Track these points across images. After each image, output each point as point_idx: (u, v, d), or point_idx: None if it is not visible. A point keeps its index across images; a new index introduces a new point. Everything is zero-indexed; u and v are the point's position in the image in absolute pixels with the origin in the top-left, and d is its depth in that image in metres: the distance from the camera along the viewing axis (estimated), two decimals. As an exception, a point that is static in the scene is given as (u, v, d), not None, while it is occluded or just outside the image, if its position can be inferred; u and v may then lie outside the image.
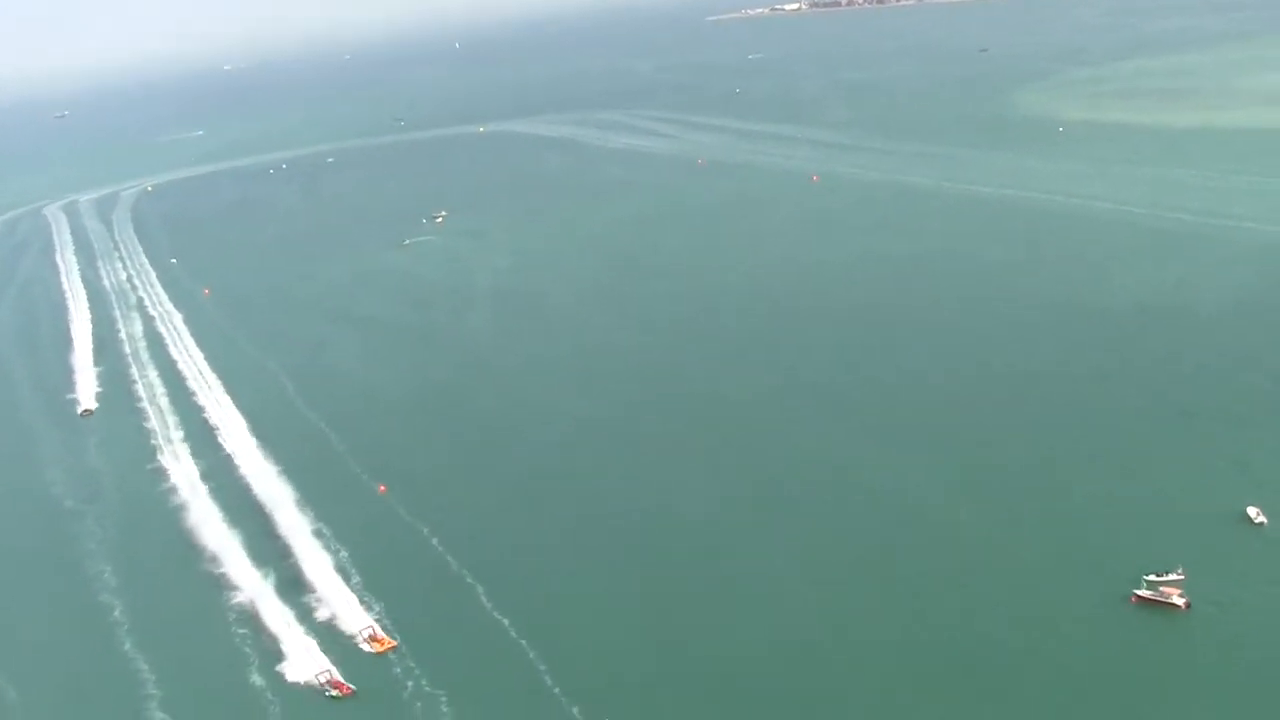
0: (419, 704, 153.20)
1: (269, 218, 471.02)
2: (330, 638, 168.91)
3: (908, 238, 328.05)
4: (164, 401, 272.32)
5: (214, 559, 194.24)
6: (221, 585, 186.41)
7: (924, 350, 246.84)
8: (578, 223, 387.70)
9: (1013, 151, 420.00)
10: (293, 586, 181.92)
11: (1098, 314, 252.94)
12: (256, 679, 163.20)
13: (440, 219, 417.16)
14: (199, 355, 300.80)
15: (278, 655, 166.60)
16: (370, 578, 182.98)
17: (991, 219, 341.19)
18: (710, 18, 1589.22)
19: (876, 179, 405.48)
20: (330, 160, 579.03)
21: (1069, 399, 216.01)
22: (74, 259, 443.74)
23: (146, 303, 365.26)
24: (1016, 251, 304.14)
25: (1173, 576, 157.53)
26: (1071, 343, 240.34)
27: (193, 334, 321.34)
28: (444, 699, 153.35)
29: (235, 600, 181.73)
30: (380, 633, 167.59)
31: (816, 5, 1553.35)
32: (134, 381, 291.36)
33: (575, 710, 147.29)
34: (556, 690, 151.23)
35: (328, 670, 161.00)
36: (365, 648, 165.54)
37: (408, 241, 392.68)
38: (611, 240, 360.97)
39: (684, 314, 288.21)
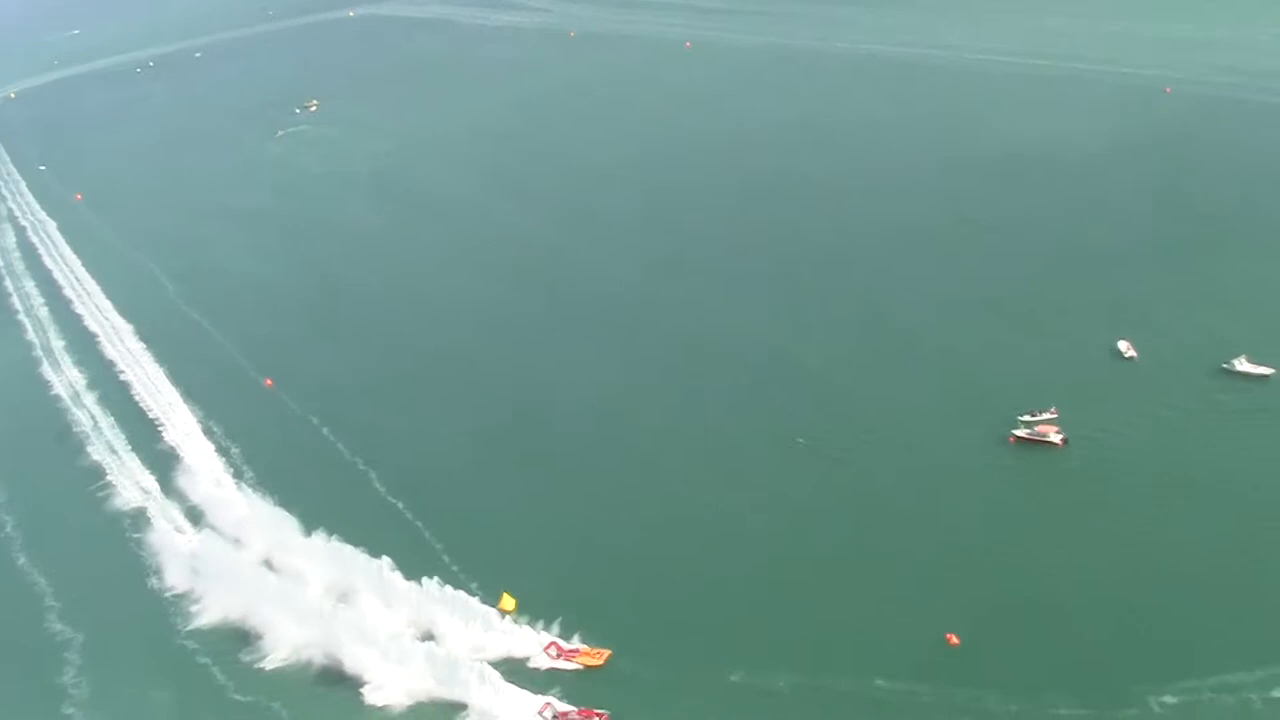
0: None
1: (138, 118, 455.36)
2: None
3: (784, 100, 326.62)
4: (43, 312, 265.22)
5: (101, 467, 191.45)
6: (110, 493, 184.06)
7: (804, 212, 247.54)
8: (453, 104, 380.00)
9: (887, 8, 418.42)
10: (185, 488, 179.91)
11: (972, 165, 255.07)
12: (152, 583, 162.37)
13: (314, 107, 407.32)
14: (75, 262, 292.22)
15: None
16: (263, 472, 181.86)
17: (867, 76, 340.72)
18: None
19: (749, 42, 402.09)
20: (198, 55, 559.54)
21: (945, 250, 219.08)
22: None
23: (16, 213, 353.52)
24: (893, 108, 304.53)
25: (1046, 415, 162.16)
26: (947, 195, 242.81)
27: (68, 241, 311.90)
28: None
29: (126, 507, 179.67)
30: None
31: None
32: (9, 294, 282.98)
33: (474, 585, 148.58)
34: (455, 569, 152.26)
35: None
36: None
37: (281, 133, 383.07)
38: (489, 121, 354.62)
39: (565, 194, 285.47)
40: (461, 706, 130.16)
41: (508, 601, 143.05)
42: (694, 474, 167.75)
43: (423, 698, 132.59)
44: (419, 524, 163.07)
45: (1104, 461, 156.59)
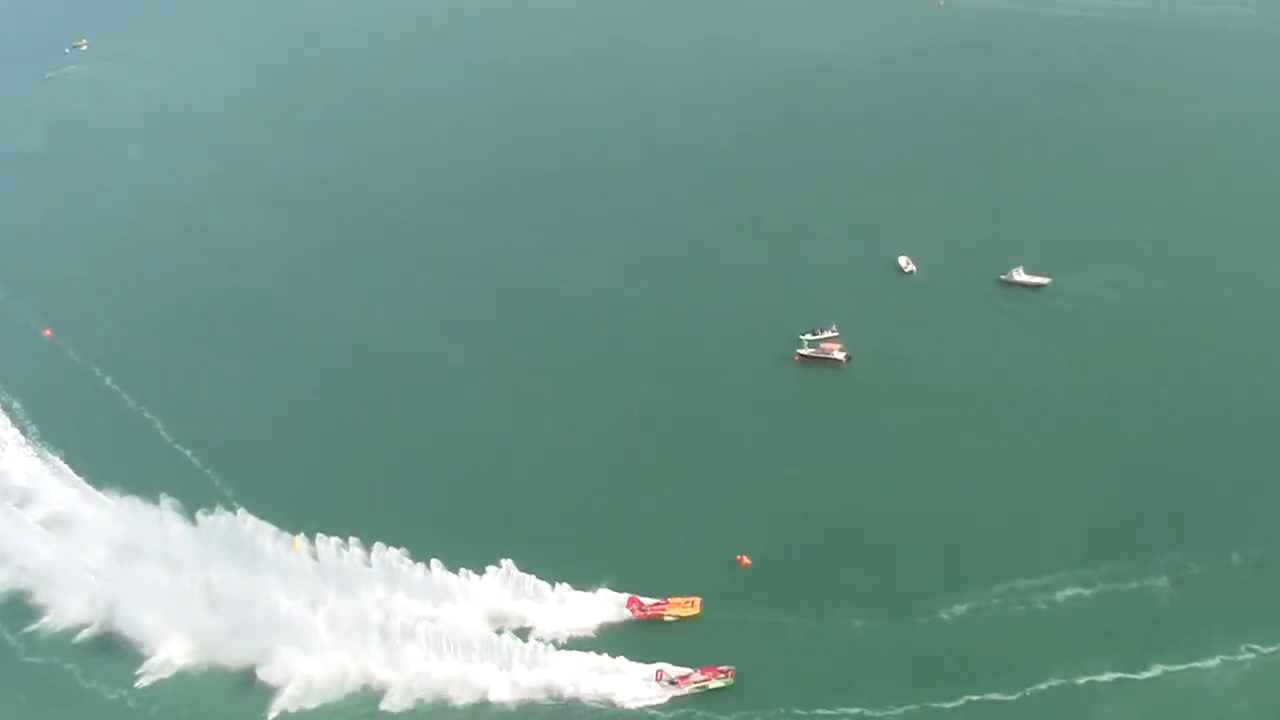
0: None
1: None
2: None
3: (566, 25, 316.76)
4: None
5: None
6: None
7: (583, 137, 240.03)
8: (229, 37, 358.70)
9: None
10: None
11: (751, 84, 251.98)
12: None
13: (84, 46, 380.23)
14: None
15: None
16: (47, 426, 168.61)
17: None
18: None
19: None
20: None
21: (725, 170, 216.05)
22: None
23: None
24: (677, 32, 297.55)
25: (828, 334, 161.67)
26: (725, 115, 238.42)
27: None
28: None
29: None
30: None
31: None
32: None
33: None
34: (242, 509, 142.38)
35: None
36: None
37: (50, 74, 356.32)
38: (271, 53, 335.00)
39: (347, 125, 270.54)
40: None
41: (296, 544, 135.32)
42: (481, 403, 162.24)
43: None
44: (208, 471, 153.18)
45: (887, 376, 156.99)
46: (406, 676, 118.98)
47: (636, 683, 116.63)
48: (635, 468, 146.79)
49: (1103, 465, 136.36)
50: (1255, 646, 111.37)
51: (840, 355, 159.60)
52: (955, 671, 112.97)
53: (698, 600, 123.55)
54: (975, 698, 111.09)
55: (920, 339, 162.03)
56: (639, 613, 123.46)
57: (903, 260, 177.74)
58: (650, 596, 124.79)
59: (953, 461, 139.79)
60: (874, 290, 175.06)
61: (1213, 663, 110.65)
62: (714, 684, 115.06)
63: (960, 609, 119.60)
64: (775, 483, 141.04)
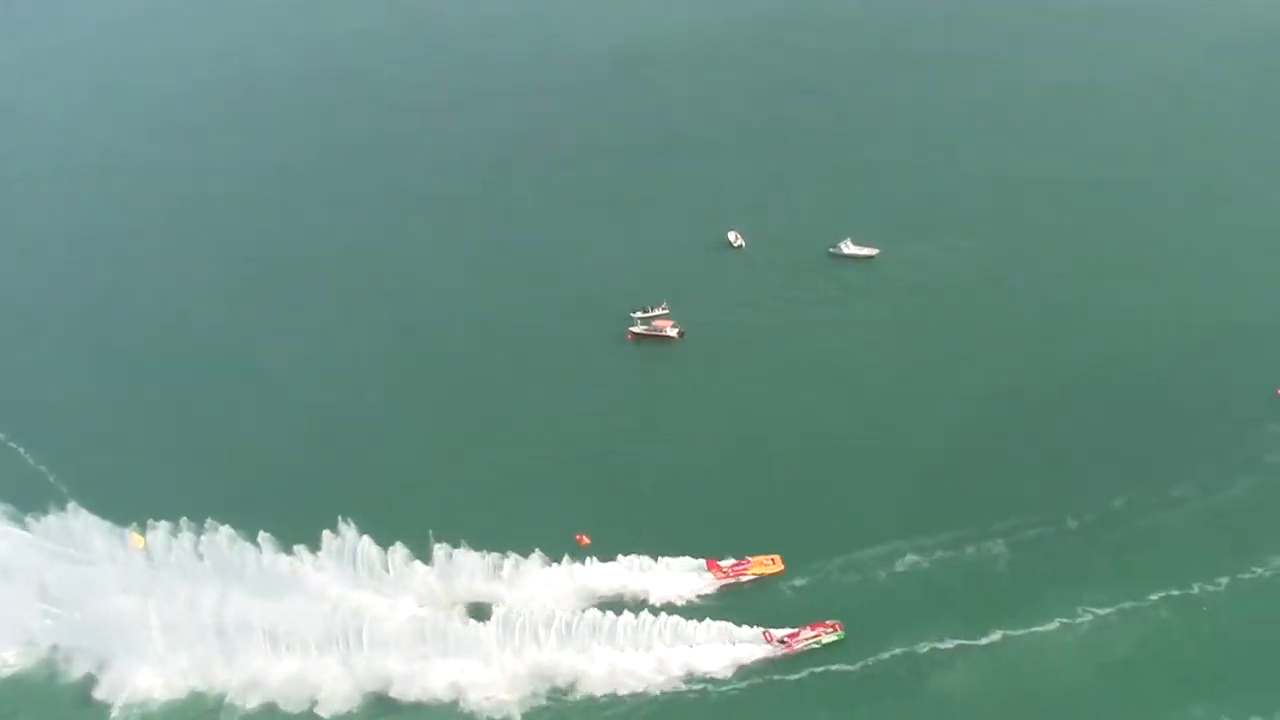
0: None
1: None
2: None
3: (397, 2, 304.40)
4: None
5: None
6: None
7: (408, 122, 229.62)
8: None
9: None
10: None
11: (579, 61, 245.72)
12: None
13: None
14: None
15: None
16: None
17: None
18: None
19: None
20: None
21: (555, 151, 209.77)
22: None
23: None
24: (499, 6, 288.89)
25: (659, 311, 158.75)
26: (555, 93, 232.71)
27: None
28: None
29: None
30: None
31: None
32: None
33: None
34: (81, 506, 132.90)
35: None
36: None
37: None
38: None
39: (155, 107, 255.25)
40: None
41: (138, 539, 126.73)
42: (307, 387, 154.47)
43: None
44: (42, 468, 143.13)
45: (719, 351, 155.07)
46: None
47: (751, 645, 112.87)
48: (465, 447, 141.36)
49: (936, 433, 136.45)
50: (1092, 609, 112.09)
51: (673, 332, 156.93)
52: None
53: (779, 558, 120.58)
54: (817, 669, 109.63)
55: (751, 313, 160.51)
56: (721, 575, 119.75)
57: (732, 235, 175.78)
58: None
59: (786, 434, 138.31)
60: (705, 266, 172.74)
61: (1051, 626, 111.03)
62: (827, 638, 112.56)
63: (799, 582, 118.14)
64: (609, 460, 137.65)
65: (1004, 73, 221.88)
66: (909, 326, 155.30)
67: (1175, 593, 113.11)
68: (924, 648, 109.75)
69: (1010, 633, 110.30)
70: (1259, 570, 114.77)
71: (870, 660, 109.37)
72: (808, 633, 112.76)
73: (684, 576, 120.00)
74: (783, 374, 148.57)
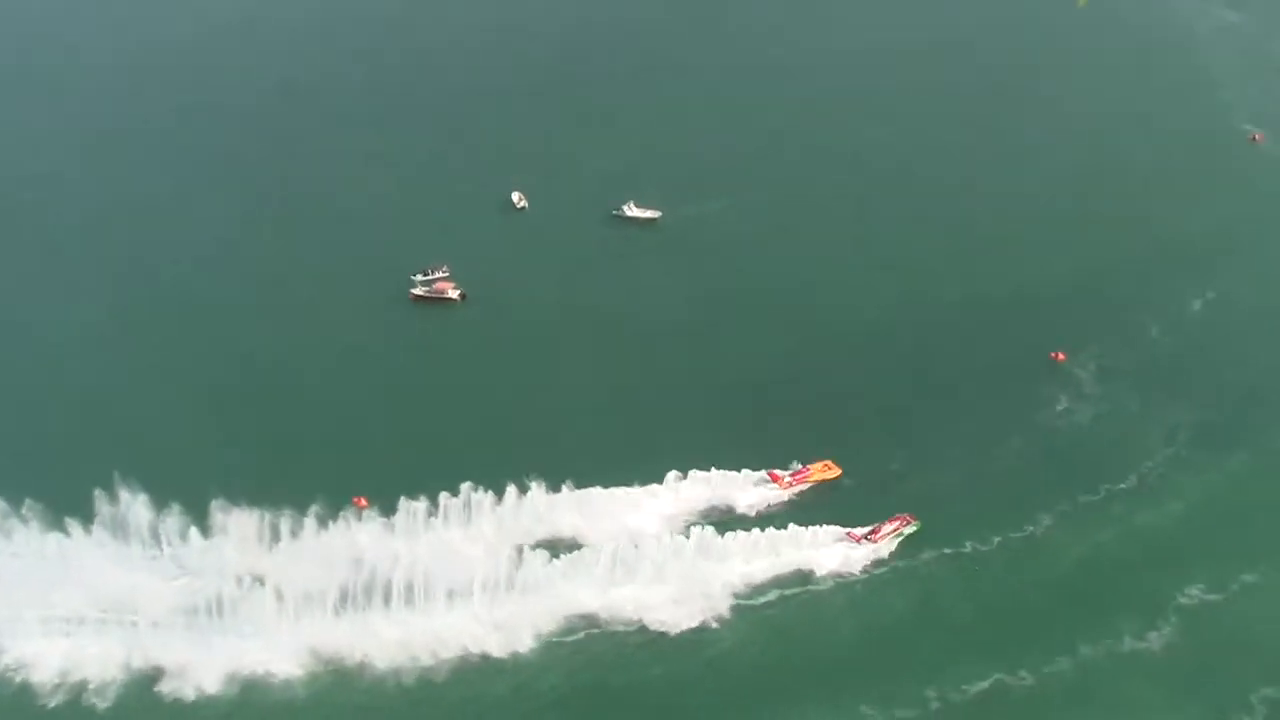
0: None
1: None
2: None
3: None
4: None
5: None
6: None
7: (189, 78, 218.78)
8: None
9: None
10: None
11: (349, 15, 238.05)
12: None
13: None
14: None
15: None
16: None
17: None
18: None
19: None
20: None
21: (336, 111, 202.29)
22: None
23: None
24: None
25: (439, 274, 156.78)
26: (324, 51, 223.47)
27: None
28: None
29: None
30: None
31: None
32: None
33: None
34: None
35: None
36: None
37: None
38: None
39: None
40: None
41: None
42: (79, 354, 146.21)
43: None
44: None
45: (502, 313, 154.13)
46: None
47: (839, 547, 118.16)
48: (243, 410, 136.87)
49: (717, 388, 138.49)
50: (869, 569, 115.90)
51: (454, 294, 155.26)
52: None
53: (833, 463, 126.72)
54: (595, 631, 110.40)
55: (534, 275, 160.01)
56: (785, 485, 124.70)
57: (515, 196, 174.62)
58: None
59: (567, 392, 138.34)
60: (488, 227, 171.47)
61: (826, 587, 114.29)
62: (908, 530, 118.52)
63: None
64: (390, 424, 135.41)
65: (788, 35, 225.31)
66: (688, 285, 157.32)
67: (948, 551, 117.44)
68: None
69: (786, 592, 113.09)
70: (1030, 528, 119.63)
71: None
72: (889, 527, 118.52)
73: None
74: (565, 334, 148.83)
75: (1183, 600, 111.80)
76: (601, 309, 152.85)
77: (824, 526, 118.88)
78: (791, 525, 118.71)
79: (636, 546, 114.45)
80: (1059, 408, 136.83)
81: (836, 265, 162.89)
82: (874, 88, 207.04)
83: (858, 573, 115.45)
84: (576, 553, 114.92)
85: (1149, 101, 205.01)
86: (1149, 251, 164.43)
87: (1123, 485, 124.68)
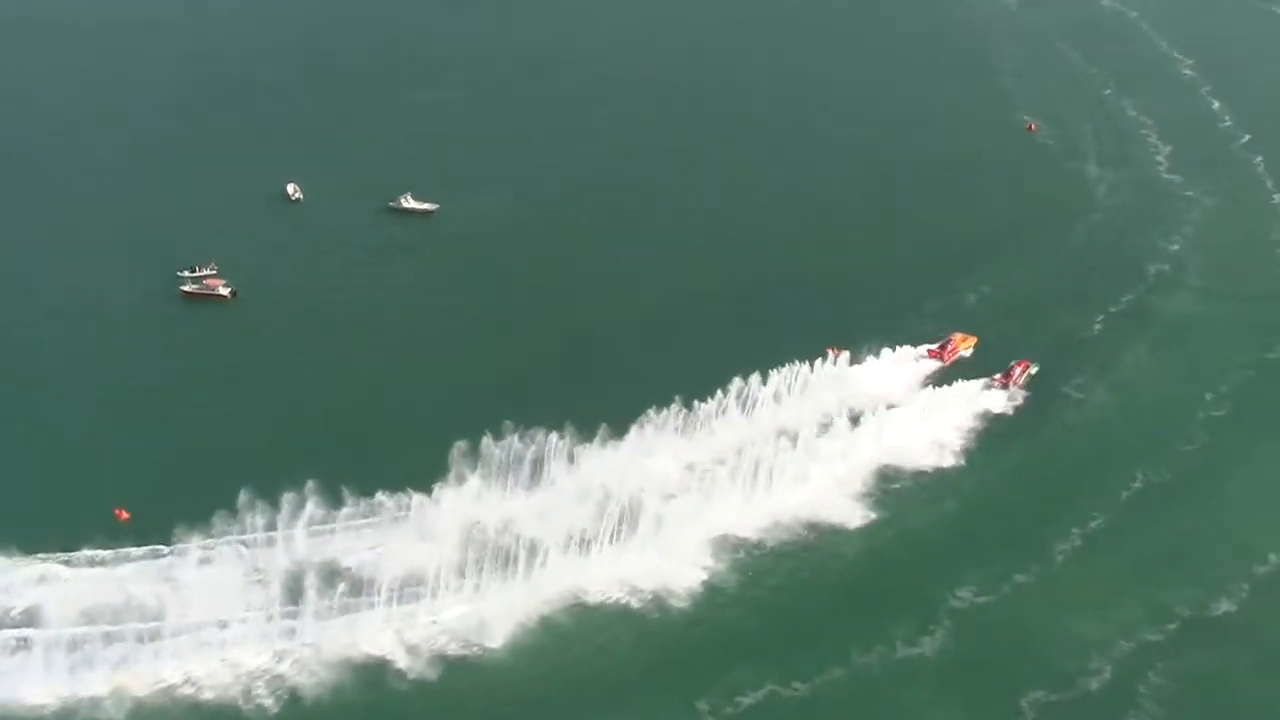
0: None
1: None
2: None
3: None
4: None
5: None
6: None
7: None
8: None
9: None
10: None
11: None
12: None
13: None
14: None
15: None
16: None
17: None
18: None
19: None
20: None
21: (87, 96, 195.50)
22: None
23: None
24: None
25: (208, 270, 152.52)
26: (81, 36, 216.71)
27: None
28: None
29: None
30: None
31: None
32: None
33: None
34: None
35: None
36: None
37: None
38: None
39: None
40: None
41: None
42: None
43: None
44: None
45: (275, 309, 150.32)
46: None
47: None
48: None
49: (491, 381, 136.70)
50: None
51: (225, 291, 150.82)
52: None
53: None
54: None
55: (309, 270, 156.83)
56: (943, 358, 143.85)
57: (290, 188, 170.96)
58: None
59: (345, 390, 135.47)
60: (261, 220, 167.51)
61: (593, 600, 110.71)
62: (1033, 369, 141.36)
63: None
64: (164, 423, 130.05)
65: (572, 22, 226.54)
66: (465, 280, 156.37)
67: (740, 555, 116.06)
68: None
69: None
70: (805, 533, 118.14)
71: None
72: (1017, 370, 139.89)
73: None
74: (341, 331, 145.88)
75: (954, 603, 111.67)
76: (375, 304, 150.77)
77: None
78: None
79: None
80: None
81: (615, 254, 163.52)
82: (656, 76, 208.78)
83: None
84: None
85: (933, 89, 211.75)
86: (925, 242, 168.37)
87: (896, 486, 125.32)
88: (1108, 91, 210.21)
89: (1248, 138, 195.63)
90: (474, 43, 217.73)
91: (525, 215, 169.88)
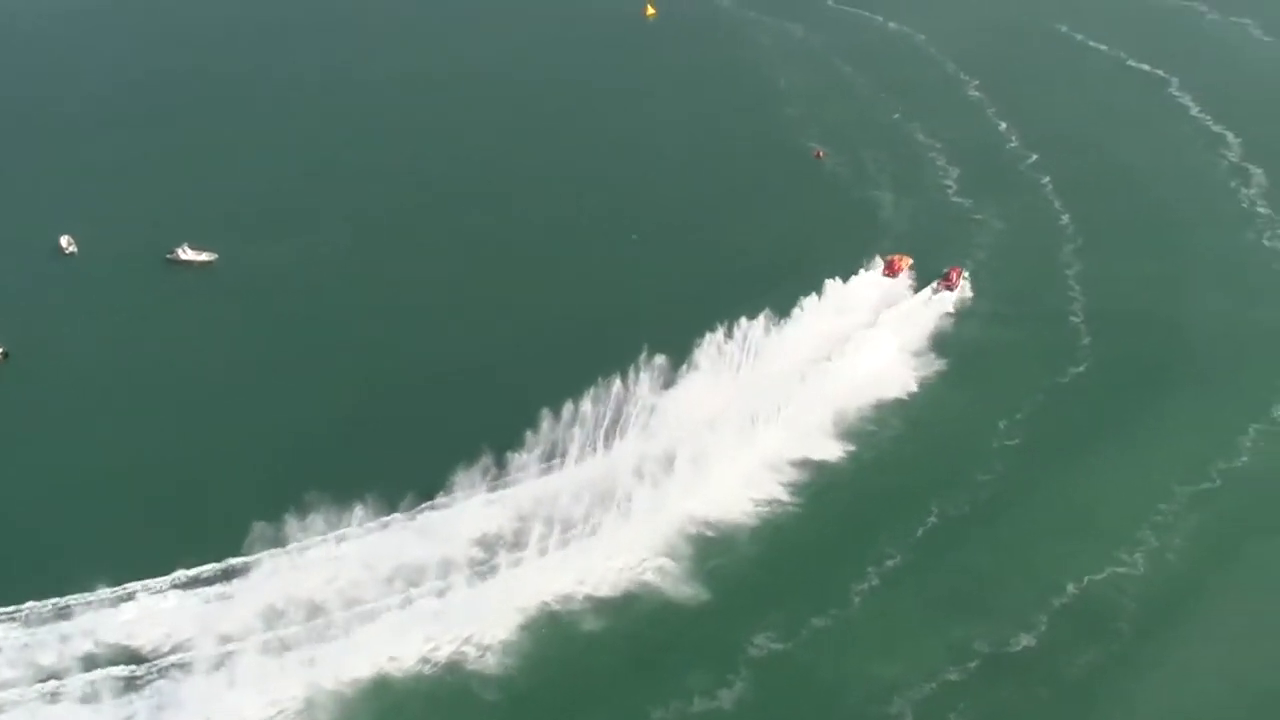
0: None
1: None
2: None
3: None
4: None
5: None
6: None
7: None
8: None
9: None
10: None
11: None
12: None
13: None
14: None
15: None
16: None
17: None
18: None
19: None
20: None
21: None
22: None
23: None
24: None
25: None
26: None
27: None
28: None
29: None
30: None
31: None
32: None
33: None
34: None
35: None
36: None
37: None
38: None
39: None
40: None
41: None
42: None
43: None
44: None
45: (49, 370, 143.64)
46: None
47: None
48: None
49: (280, 437, 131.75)
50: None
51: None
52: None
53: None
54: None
55: (83, 328, 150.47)
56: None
57: (64, 240, 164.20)
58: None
59: (123, 453, 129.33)
60: (32, 276, 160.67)
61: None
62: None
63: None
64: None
65: (365, 65, 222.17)
66: (246, 332, 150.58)
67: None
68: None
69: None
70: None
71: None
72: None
73: None
74: (114, 393, 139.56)
75: (752, 651, 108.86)
76: (151, 362, 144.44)
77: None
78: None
79: None
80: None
81: (411, 300, 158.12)
82: (446, 111, 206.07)
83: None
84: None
85: (720, 117, 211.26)
86: (711, 268, 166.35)
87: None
88: (896, 116, 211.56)
89: (1035, 158, 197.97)
90: (260, 88, 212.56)
91: (310, 262, 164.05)
